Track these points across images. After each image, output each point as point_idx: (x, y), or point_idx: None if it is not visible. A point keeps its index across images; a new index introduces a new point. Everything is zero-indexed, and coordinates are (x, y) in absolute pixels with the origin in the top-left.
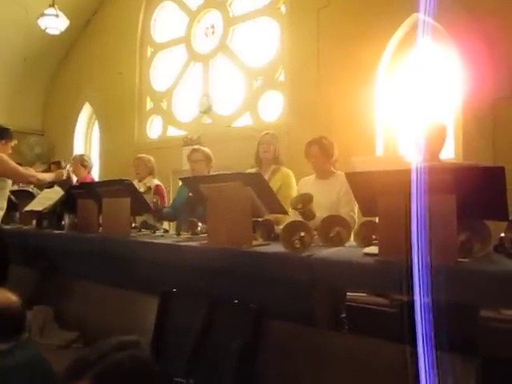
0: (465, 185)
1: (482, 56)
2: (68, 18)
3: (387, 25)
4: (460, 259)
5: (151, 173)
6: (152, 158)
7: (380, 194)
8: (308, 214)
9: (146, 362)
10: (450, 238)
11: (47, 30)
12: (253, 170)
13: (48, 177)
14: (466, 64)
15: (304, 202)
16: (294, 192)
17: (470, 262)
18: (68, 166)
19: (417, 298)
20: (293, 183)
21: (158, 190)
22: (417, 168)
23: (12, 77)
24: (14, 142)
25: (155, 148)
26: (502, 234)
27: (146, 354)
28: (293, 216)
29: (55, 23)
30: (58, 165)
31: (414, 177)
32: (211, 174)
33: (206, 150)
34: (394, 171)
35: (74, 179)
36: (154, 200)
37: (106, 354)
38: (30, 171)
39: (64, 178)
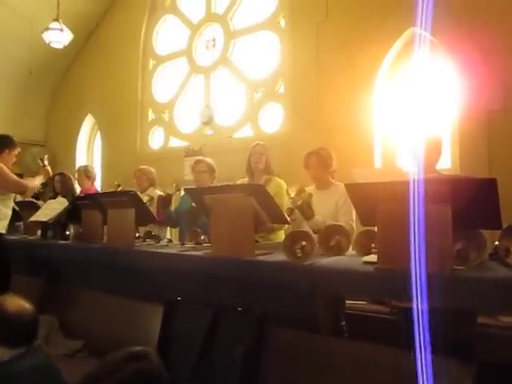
0: (460, 196)
1: (478, 69)
2: (71, 30)
3: (385, 38)
4: (456, 267)
5: (152, 184)
6: (153, 170)
7: (379, 205)
8: (306, 211)
9: (154, 374)
10: (447, 246)
11: (51, 44)
12: (244, 181)
13: (37, 181)
14: (462, 77)
15: (301, 197)
16: (287, 202)
17: (465, 269)
18: (46, 160)
19: (415, 304)
20: (285, 193)
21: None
22: (414, 179)
23: (16, 89)
24: (17, 151)
25: (157, 159)
26: (497, 243)
27: (154, 366)
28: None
29: (59, 37)
30: (61, 176)
31: (411, 188)
32: (215, 184)
33: (210, 160)
34: (392, 182)
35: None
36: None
37: (115, 369)
38: (25, 182)
39: (51, 174)
